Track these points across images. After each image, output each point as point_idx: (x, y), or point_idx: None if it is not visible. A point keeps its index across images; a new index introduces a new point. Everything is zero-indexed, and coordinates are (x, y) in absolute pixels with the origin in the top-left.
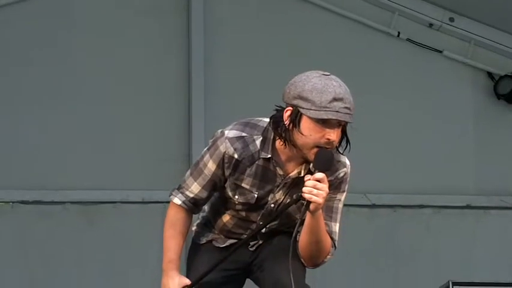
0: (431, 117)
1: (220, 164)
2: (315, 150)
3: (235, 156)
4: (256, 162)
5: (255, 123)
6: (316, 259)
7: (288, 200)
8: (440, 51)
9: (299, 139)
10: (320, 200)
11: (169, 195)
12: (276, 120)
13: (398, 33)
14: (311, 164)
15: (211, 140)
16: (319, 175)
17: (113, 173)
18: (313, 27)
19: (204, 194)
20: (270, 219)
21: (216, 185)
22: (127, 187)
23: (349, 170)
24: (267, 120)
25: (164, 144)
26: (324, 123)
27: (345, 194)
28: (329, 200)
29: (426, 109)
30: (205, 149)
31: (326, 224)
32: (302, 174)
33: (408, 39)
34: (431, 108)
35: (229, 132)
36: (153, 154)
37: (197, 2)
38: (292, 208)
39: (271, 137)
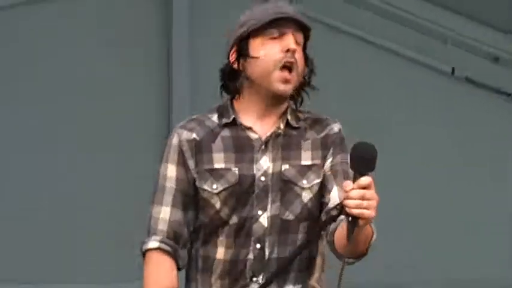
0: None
1: (180, 160)
2: (279, 74)
3: (193, 136)
4: (221, 133)
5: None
6: (361, 251)
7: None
8: (509, 95)
9: (255, 68)
10: (373, 214)
11: (141, 248)
12: (223, 72)
13: (453, 69)
14: (288, 117)
15: (165, 149)
16: (366, 180)
17: None
18: (340, 55)
19: (179, 214)
20: (270, 201)
21: (187, 195)
22: None
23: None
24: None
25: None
26: (275, 33)
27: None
28: (340, 162)
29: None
30: (161, 164)
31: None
32: (281, 128)
33: (467, 79)
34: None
35: (179, 124)
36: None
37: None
38: (291, 174)
39: (228, 103)
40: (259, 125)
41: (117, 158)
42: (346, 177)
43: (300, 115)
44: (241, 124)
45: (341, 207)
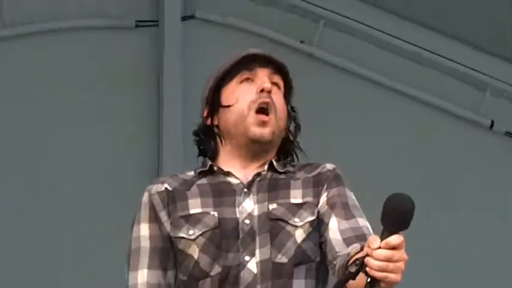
0: None
1: (152, 215)
2: (254, 117)
3: (165, 186)
4: (197, 183)
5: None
6: None
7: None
8: None
9: (229, 118)
10: (399, 279)
11: None
12: (196, 133)
13: (492, 122)
14: (274, 162)
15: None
16: (396, 239)
17: None
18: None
19: (158, 275)
20: (259, 244)
21: (164, 253)
22: None
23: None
24: None
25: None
26: (246, 74)
27: (351, 193)
28: (338, 195)
29: None
30: (131, 230)
31: (350, 222)
32: (265, 170)
33: (508, 133)
34: None
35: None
36: None
37: None
38: (280, 212)
39: (205, 160)
40: (241, 172)
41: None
42: (345, 209)
43: (288, 165)
44: (219, 169)
45: (361, 264)
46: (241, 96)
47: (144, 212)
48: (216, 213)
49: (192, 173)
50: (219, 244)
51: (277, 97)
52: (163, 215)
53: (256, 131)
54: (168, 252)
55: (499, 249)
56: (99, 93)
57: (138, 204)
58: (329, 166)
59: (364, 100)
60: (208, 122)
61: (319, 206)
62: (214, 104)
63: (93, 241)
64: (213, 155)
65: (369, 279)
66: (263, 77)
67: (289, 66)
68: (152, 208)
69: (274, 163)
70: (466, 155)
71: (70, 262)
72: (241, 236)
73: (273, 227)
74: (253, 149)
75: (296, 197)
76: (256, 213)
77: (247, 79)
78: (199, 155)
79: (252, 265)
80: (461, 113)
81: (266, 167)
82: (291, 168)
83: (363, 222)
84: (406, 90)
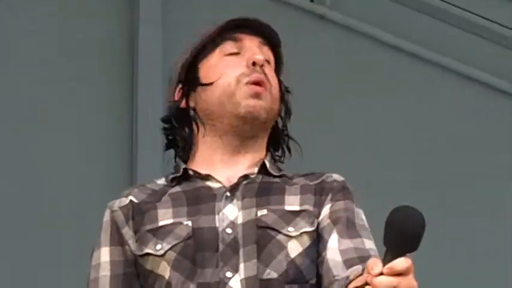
0: None
1: (114, 235)
2: (246, 88)
3: (130, 198)
4: (169, 192)
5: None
6: None
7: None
8: None
9: (211, 97)
10: None
11: None
12: (165, 120)
13: None
14: (265, 161)
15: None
16: (403, 264)
17: None
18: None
19: None
20: (243, 258)
21: (127, 280)
22: None
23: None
24: None
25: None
26: (232, 47)
27: (361, 211)
28: (344, 209)
29: None
30: (91, 255)
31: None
32: (255, 173)
33: None
34: None
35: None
36: None
37: None
38: (271, 220)
39: (178, 161)
40: (224, 173)
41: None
42: (351, 227)
43: (283, 170)
44: (195, 173)
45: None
46: (226, 71)
47: (105, 234)
48: (189, 223)
49: (162, 181)
50: (193, 258)
51: (271, 74)
52: (126, 231)
53: (250, 103)
54: (131, 279)
55: None
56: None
57: (100, 226)
58: (336, 176)
59: (381, 66)
60: (183, 104)
61: (320, 218)
62: (189, 82)
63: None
64: (187, 149)
65: None
66: (253, 47)
67: (298, 28)
68: (114, 227)
69: (267, 164)
70: (501, 128)
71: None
72: (221, 248)
73: (261, 236)
74: (242, 133)
75: (292, 203)
76: (240, 221)
77: (232, 52)
78: (167, 149)
79: (235, 283)
80: (495, 82)
81: (256, 169)
82: (288, 173)
83: (369, 244)
84: (429, 55)
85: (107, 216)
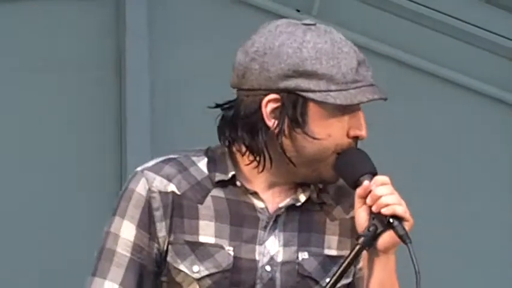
0: None
1: (145, 220)
2: (333, 158)
3: (171, 187)
4: (211, 192)
5: (186, 151)
6: None
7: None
8: None
9: (307, 148)
10: (407, 211)
11: None
12: (245, 123)
13: None
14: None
15: (118, 198)
16: (381, 178)
17: None
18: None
19: None
20: None
21: (145, 274)
22: None
23: None
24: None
25: None
26: (347, 108)
27: None
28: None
29: None
30: (111, 218)
31: None
32: (301, 202)
33: None
34: None
35: (147, 164)
36: None
37: None
38: (312, 268)
39: (226, 151)
40: (269, 192)
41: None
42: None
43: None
44: (242, 186)
45: (373, 219)
46: (334, 134)
47: (135, 208)
48: (231, 251)
49: (204, 168)
50: None
51: None
52: (160, 228)
53: (335, 175)
54: (149, 277)
55: None
56: None
57: (125, 189)
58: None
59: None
60: (273, 126)
61: (357, 267)
62: (295, 117)
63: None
64: (242, 153)
65: (388, 222)
66: (359, 116)
67: None
68: (147, 210)
69: (315, 187)
70: (489, 136)
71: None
72: (258, 286)
73: (300, 284)
74: (310, 182)
75: (331, 246)
76: (280, 259)
77: (340, 110)
78: (221, 139)
79: None
80: (483, 88)
81: (303, 196)
82: (328, 199)
83: None
84: (414, 61)
85: (141, 189)
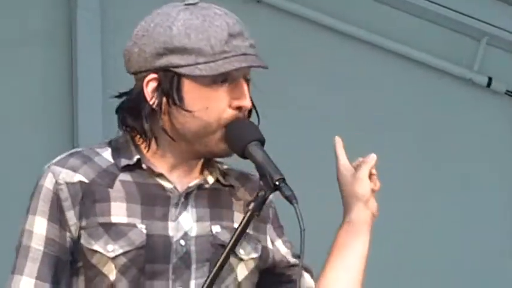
0: None
1: (54, 213)
2: (222, 133)
3: (78, 178)
4: (119, 177)
5: (90, 145)
6: None
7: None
8: None
9: (189, 123)
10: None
11: None
12: (130, 107)
13: (490, 79)
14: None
15: (30, 196)
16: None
17: None
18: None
19: None
20: (194, 275)
21: (60, 264)
22: None
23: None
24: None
25: None
26: (225, 80)
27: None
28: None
29: None
30: (25, 216)
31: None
32: (209, 183)
33: (508, 92)
34: None
35: (53, 160)
36: None
37: None
38: (226, 238)
39: (128, 139)
40: (175, 174)
41: None
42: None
43: (219, 166)
44: (149, 168)
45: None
46: (212, 106)
47: (44, 203)
48: (144, 228)
49: (109, 157)
50: (142, 268)
51: (249, 104)
52: (71, 217)
53: (223, 147)
54: (64, 267)
55: (495, 209)
56: None
57: (36, 186)
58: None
59: (332, 54)
60: (154, 104)
61: (277, 258)
62: (170, 92)
63: None
64: (139, 140)
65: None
66: (241, 85)
67: (235, 13)
68: (56, 203)
69: (219, 171)
70: (459, 117)
71: None
72: (173, 260)
73: (215, 255)
74: (205, 157)
75: (239, 221)
76: (194, 233)
77: (220, 81)
78: (121, 126)
79: None
80: (452, 69)
81: (211, 178)
82: (234, 182)
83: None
84: (385, 43)
85: (48, 183)
